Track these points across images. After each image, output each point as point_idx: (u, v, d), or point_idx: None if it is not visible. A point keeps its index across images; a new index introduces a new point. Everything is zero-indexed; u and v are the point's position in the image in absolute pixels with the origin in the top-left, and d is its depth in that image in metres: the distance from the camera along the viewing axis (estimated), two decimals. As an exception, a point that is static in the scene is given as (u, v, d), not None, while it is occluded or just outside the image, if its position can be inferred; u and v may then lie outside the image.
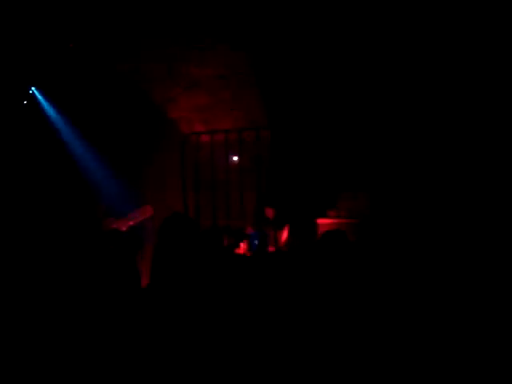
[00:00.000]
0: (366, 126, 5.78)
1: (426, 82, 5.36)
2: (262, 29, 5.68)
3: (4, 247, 4.78)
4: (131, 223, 6.60)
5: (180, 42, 5.65)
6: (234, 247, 5.35)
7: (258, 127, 6.31)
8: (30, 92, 6.09)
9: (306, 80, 6.01)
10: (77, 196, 6.44)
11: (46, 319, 2.96)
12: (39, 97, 6.29)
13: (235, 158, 7.09)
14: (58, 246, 5.23)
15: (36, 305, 3.20)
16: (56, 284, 3.52)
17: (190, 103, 6.88)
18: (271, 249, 5.95)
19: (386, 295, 2.65)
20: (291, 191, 6.28)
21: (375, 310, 2.49)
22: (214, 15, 5.44)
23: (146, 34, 5.51)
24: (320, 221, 5.78)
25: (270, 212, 6.20)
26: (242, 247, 5.48)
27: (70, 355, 2.53)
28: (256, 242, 5.96)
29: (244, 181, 6.74)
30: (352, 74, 5.67)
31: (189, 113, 7.05)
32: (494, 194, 4.93)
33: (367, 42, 5.48)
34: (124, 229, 6.46)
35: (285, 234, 6.03)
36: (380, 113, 5.71)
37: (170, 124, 7.37)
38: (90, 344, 2.49)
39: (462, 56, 5.01)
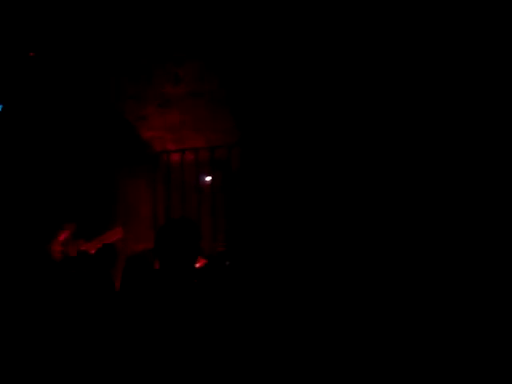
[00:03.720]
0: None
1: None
2: (232, 48, 5.63)
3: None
4: (100, 246, 6.43)
5: (148, 58, 5.55)
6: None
7: (230, 145, 6.17)
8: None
9: (278, 98, 5.93)
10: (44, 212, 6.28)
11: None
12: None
13: (208, 179, 6.92)
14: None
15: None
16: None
17: (162, 122, 6.74)
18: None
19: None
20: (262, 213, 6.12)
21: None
22: (182, 32, 5.39)
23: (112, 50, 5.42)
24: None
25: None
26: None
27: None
28: (227, 262, 5.79)
29: (216, 202, 6.55)
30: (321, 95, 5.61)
31: (161, 132, 6.91)
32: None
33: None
34: (93, 251, 6.30)
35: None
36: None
37: (142, 144, 7.22)
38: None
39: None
